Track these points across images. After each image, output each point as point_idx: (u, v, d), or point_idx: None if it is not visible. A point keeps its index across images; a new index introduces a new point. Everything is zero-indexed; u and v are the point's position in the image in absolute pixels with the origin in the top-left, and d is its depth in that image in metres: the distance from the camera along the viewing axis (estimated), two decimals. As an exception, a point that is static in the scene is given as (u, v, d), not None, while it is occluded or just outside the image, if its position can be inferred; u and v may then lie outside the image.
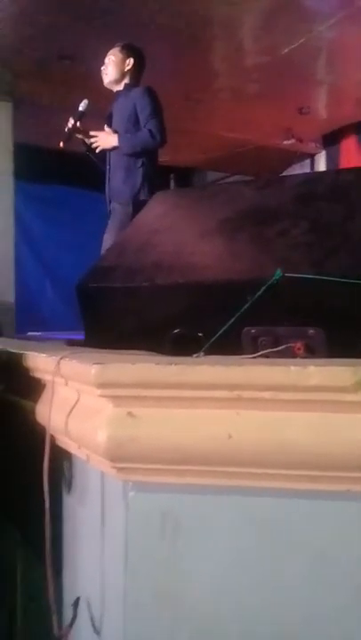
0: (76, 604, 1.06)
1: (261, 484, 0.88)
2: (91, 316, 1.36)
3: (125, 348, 1.12)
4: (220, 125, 6.31)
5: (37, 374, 1.17)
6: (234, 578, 0.92)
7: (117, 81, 3.37)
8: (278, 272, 1.10)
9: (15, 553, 1.45)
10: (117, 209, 3.22)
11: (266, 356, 1.01)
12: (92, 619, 1.04)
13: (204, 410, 0.89)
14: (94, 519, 1.04)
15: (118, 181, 3.25)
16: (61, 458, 1.13)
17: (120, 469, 0.92)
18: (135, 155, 3.17)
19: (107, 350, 1.14)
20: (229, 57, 5.18)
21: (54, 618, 1.02)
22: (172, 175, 8.02)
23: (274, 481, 0.88)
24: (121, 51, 3.37)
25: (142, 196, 3.12)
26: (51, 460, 1.05)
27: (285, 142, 6.92)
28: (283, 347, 1.05)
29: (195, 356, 1.04)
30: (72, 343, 1.59)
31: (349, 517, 0.86)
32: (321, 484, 0.86)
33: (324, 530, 0.87)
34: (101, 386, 0.89)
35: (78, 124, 3.25)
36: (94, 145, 3.26)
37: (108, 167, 3.31)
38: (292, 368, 0.83)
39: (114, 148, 3.25)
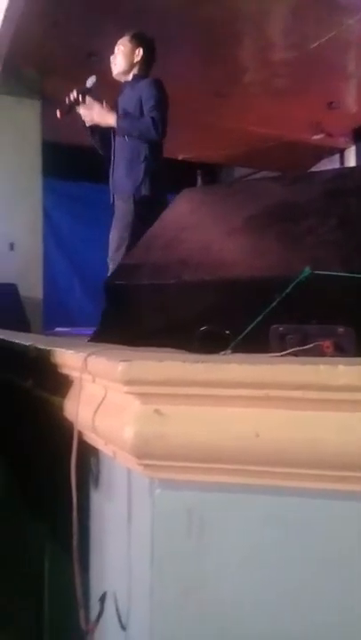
0: (102, 598, 1.07)
1: (289, 484, 0.88)
2: (118, 314, 1.37)
3: (152, 346, 1.13)
4: (249, 121, 6.27)
5: (65, 371, 1.18)
6: (259, 576, 0.92)
7: (126, 72, 3.22)
8: (307, 269, 1.09)
9: (43, 547, 1.46)
10: (119, 206, 3.13)
11: (294, 354, 1.00)
12: (118, 614, 1.05)
13: (231, 408, 0.88)
14: (121, 515, 1.05)
15: (121, 175, 3.14)
16: (88, 453, 1.14)
17: (146, 466, 0.92)
18: (137, 134, 3.01)
19: (134, 347, 1.14)
20: (258, 52, 5.14)
21: (82, 612, 1.03)
22: (198, 171, 8.02)
23: (301, 481, 0.87)
24: (130, 40, 3.22)
25: (144, 191, 3.02)
26: (78, 456, 1.06)
27: (315, 137, 6.84)
28: (311, 345, 1.04)
29: (222, 353, 1.03)
30: (98, 340, 1.60)
31: (378, 519, 0.85)
32: (349, 484, 0.85)
33: (352, 531, 0.86)
34: (128, 383, 0.89)
35: (81, 97, 3.11)
36: (85, 117, 3.10)
37: (112, 158, 3.20)
38: (322, 367, 0.82)
39: (110, 129, 3.11)
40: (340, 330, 1.06)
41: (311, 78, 5.48)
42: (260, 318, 1.08)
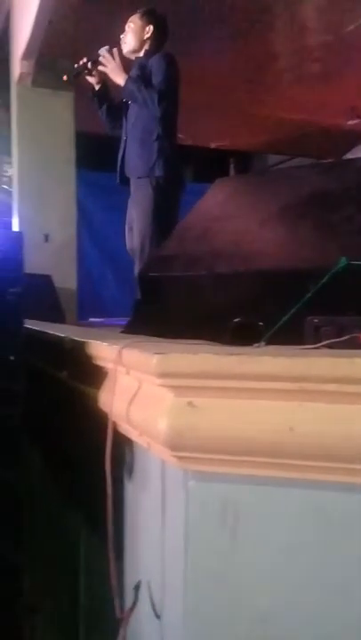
0: (137, 587, 1.08)
1: (323, 478, 0.87)
2: (151, 305, 1.37)
3: (185, 338, 1.12)
4: (282, 107, 6.17)
5: (100, 362, 1.19)
6: (293, 570, 0.91)
7: (136, 50, 3.13)
8: (343, 260, 1.07)
9: (79, 535, 1.49)
10: (136, 188, 3.03)
11: (329, 346, 0.99)
12: (152, 603, 1.06)
13: (265, 401, 0.88)
14: (155, 506, 1.05)
15: (134, 155, 3.06)
16: (123, 444, 1.15)
17: (180, 458, 0.92)
18: (141, 101, 2.93)
19: (167, 339, 1.14)
20: (291, 36, 5.04)
21: (116, 600, 1.05)
22: (231, 159, 7.94)
23: (336, 475, 0.86)
24: (141, 17, 3.13)
25: (157, 172, 2.94)
26: (112, 446, 1.07)
27: (349, 122, 6.69)
28: (347, 337, 1.03)
29: (255, 345, 1.03)
30: (132, 331, 1.60)
31: None
32: (386, 479, 0.83)
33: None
34: (162, 375, 0.90)
35: (90, 64, 3.05)
36: (102, 67, 3.02)
37: (124, 138, 3.12)
38: (357, 360, 0.81)
39: (119, 103, 3.03)
40: (377, 322, 1.04)
41: (346, 62, 5.35)
42: (294, 310, 1.07)
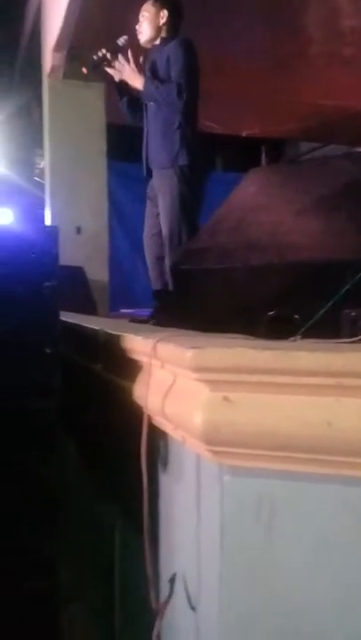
0: (172, 580, 1.09)
1: (361, 474, 0.85)
2: (185, 298, 1.37)
3: (219, 331, 1.12)
4: (315, 93, 6.04)
5: (134, 356, 1.19)
6: (328, 566, 0.91)
7: (154, 38, 3.04)
8: (381, 251, 1.04)
9: (113, 526, 1.50)
10: (160, 180, 2.98)
11: (367, 340, 0.97)
12: (187, 595, 1.07)
13: (302, 396, 0.87)
14: (189, 499, 1.06)
15: (156, 146, 2.99)
16: (157, 437, 1.15)
17: (215, 453, 0.92)
18: (163, 100, 2.89)
19: (201, 333, 1.14)
20: (324, 20, 4.93)
21: (152, 592, 1.06)
22: (263, 147, 7.84)
23: (376, 471, 0.84)
24: (154, 4, 3.03)
25: (181, 161, 2.88)
26: (147, 439, 1.07)
27: (385, 108, 6.52)
28: (385, 330, 1.00)
29: (291, 339, 1.01)
30: (163, 323, 1.60)
31: None
32: None
33: None
34: (198, 370, 0.89)
35: (109, 55, 2.97)
36: (115, 75, 2.97)
37: (145, 130, 3.06)
38: None
39: (137, 91, 2.97)
40: None
41: (382, 45, 5.21)
42: (331, 303, 1.05)
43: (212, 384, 0.90)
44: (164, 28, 3.04)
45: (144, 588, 1.09)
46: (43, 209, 5.53)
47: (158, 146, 2.99)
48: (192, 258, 1.33)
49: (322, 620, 0.91)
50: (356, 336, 1.00)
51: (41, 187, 6.27)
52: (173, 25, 3.05)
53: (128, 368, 1.21)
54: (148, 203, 3.16)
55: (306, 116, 6.59)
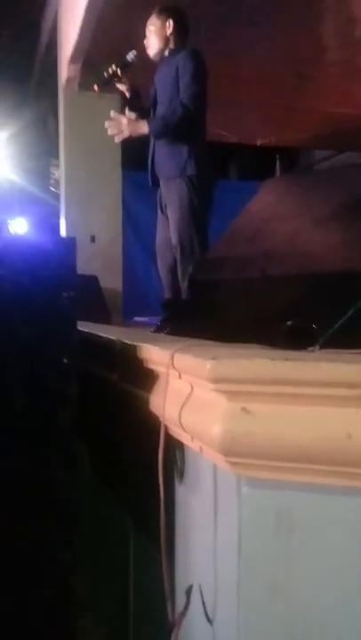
0: (189, 592, 1.08)
1: (383, 487, 0.84)
2: (199, 307, 1.36)
3: (236, 341, 1.11)
4: (330, 101, 6.04)
5: (151, 365, 1.19)
6: (348, 579, 0.89)
7: (162, 49, 3.02)
8: None
9: (128, 536, 1.50)
10: (169, 191, 2.96)
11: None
12: (204, 607, 1.06)
13: (321, 408, 0.86)
14: (206, 510, 1.05)
15: (164, 156, 2.97)
16: (174, 447, 1.15)
17: (234, 464, 0.91)
18: (173, 131, 2.86)
19: (218, 343, 1.13)
20: (340, 29, 4.93)
21: (169, 604, 1.05)
22: (277, 156, 7.85)
23: (396, 484, 0.83)
24: (158, 16, 3.03)
25: (189, 171, 2.86)
26: (164, 449, 1.07)
27: None
28: None
29: (309, 349, 1.01)
30: (180, 332, 1.60)
31: None
32: None
33: None
34: (216, 381, 0.89)
35: (119, 71, 2.96)
36: (118, 136, 2.97)
37: (152, 140, 3.03)
38: None
39: (151, 107, 2.96)
40: None
41: None
42: (350, 313, 1.05)
43: (231, 395, 0.90)
44: (171, 38, 3.04)
45: (160, 599, 1.09)
46: (58, 218, 5.58)
47: (166, 156, 2.99)
48: (209, 268, 1.33)
49: (342, 636, 0.90)
50: (376, 347, 0.99)
51: (56, 196, 6.32)
52: (180, 35, 3.05)
53: (145, 378, 1.21)
54: (159, 212, 3.17)
55: (320, 125, 6.59)
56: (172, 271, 3.03)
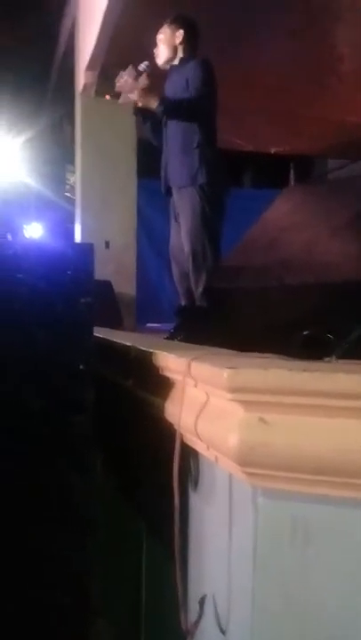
0: (202, 601, 1.07)
1: None
2: (214, 315, 1.37)
3: (252, 350, 1.11)
4: (345, 110, 6.04)
5: (167, 373, 1.19)
6: (364, 593, 0.89)
7: (171, 58, 3.08)
8: None
9: (141, 544, 1.50)
10: (182, 200, 3.00)
11: None
12: (217, 617, 1.05)
13: (338, 419, 0.85)
14: (221, 520, 1.05)
15: (176, 165, 3.01)
16: (189, 455, 1.15)
17: (250, 474, 0.91)
18: (183, 112, 2.91)
19: (234, 352, 1.13)
20: (355, 37, 4.93)
21: (182, 613, 1.05)
22: (291, 164, 7.85)
23: None
24: (169, 26, 3.09)
25: (201, 180, 2.90)
26: (180, 457, 1.07)
27: None
28: None
29: (326, 359, 1.00)
30: (193, 340, 1.60)
31: None
32: None
33: None
34: (234, 390, 0.89)
35: (131, 81, 2.95)
36: (124, 96, 2.98)
37: (165, 149, 3.08)
38: None
39: (153, 112, 2.99)
40: None
41: None
42: (367, 324, 1.04)
43: (248, 405, 0.90)
44: (180, 47, 3.08)
45: (173, 607, 1.08)
46: (72, 224, 5.61)
47: (178, 164, 3.02)
48: (225, 277, 1.33)
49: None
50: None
51: (71, 202, 6.37)
52: (190, 44, 3.09)
53: (161, 385, 1.21)
54: (173, 220, 3.19)
55: (335, 134, 6.58)
56: (187, 277, 3.04)
